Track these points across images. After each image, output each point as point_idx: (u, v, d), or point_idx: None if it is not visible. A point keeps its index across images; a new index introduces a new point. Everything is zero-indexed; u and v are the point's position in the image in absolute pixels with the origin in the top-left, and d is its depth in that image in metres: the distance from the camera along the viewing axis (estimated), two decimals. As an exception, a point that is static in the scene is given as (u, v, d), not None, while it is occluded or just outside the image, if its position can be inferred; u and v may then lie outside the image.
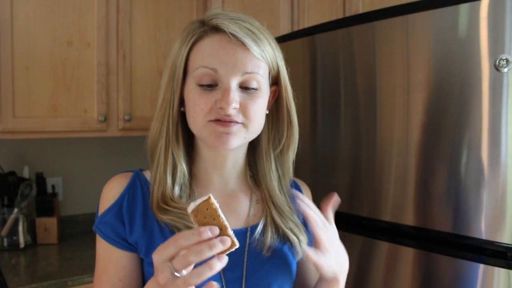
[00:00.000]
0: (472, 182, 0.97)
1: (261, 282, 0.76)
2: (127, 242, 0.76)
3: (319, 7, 1.83)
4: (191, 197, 0.79)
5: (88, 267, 1.75)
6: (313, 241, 0.76)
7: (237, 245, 0.59)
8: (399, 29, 1.11)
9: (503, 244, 0.93)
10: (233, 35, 0.70)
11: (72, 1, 1.90)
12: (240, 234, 0.78)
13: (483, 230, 0.96)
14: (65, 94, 1.91)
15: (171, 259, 0.58)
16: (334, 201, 0.78)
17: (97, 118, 1.97)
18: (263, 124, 0.78)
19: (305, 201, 0.75)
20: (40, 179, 2.09)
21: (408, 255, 1.09)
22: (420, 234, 1.08)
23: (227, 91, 0.70)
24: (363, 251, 1.19)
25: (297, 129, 0.82)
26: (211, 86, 0.71)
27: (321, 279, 0.79)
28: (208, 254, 0.57)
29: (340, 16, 1.71)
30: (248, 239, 0.78)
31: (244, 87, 0.72)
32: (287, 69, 0.80)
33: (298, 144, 0.84)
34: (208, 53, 0.71)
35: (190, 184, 0.80)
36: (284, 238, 0.80)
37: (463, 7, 0.98)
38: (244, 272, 0.76)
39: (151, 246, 0.75)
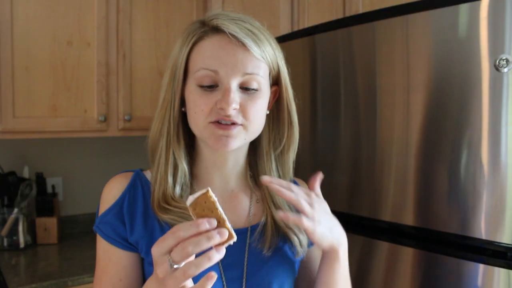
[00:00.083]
0: (472, 182, 0.98)
1: (262, 281, 0.77)
2: (127, 242, 0.76)
3: (319, 7, 1.83)
4: None
5: (88, 267, 1.75)
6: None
7: (235, 238, 0.60)
8: (399, 29, 1.11)
9: (503, 244, 0.93)
10: (233, 36, 0.70)
11: (72, 1, 1.90)
12: (241, 233, 0.78)
13: (483, 230, 0.96)
14: (65, 94, 1.91)
15: (170, 251, 0.58)
16: (319, 178, 0.79)
17: (97, 118, 1.97)
18: (264, 124, 0.78)
19: (275, 181, 0.73)
20: (40, 179, 2.09)
21: (408, 255, 1.10)
22: (420, 234, 1.08)
23: (227, 91, 0.70)
24: (363, 251, 1.19)
25: (298, 129, 0.82)
26: (212, 87, 0.72)
27: (322, 257, 0.78)
28: (206, 245, 0.57)
29: (340, 16, 1.71)
30: (248, 238, 0.79)
31: (244, 88, 0.72)
32: (287, 69, 0.80)
33: (298, 144, 0.84)
34: (208, 54, 0.71)
35: (191, 184, 0.80)
36: (284, 238, 0.80)
37: (463, 7, 0.98)
38: (245, 272, 0.76)
39: (152, 246, 0.75)
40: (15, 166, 2.09)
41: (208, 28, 0.73)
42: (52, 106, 1.88)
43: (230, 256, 0.75)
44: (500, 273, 0.93)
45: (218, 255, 0.57)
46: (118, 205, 0.77)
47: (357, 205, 1.23)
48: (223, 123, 0.71)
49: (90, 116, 1.97)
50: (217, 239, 0.57)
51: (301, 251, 0.80)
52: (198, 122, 0.73)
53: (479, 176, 0.96)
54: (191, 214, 0.60)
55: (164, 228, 0.75)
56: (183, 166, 0.78)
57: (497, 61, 0.92)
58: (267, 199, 0.83)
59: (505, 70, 0.91)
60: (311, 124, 1.38)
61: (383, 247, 1.15)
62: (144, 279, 0.78)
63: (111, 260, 0.77)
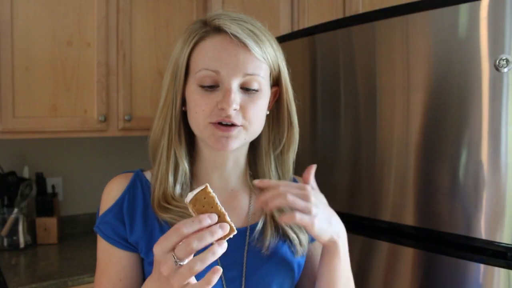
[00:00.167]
0: (472, 182, 0.98)
1: (261, 281, 0.77)
2: (127, 242, 0.77)
3: (319, 7, 1.83)
4: None
5: (88, 267, 1.75)
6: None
7: (235, 231, 0.61)
8: (399, 29, 1.11)
9: (503, 244, 0.93)
10: (235, 36, 0.70)
11: (72, 1, 1.90)
12: (240, 233, 0.78)
13: (483, 230, 0.96)
14: (65, 94, 1.91)
15: (173, 249, 0.58)
16: (313, 170, 0.78)
17: (97, 118, 1.97)
18: (263, 124, 0.78)
19: (265, 183, 0.73)
20: (40, 179, 2.09)
21: (408, 255, 1.10)
22: (420, 234, 1.08)
23: (228, 92, 0.70)
24: (363, 251, 1.19)
25: (298, 130, 0.82)
26: (213, 87, 0.72)
27: (323, 251, 0.78)
28: (210, 240, 0.57)
29: (340, 16, 1.71)
30: (247, 238, 0.79)
31: (245, 88, 0.72)
32: (288, 70, 0.80)
33: (298, 144, 0.84)
34: (210, 55, 0.71)
35: (191, 183, 0.80)
36: (284, 237, 0.80)
37: (463, 7, 0.98)
38: (244, 271, 0.76)
39: (152, 245, 0.74)
40: (15, 166, 2.09)
41: (209, 28, 0.73)
42: (52, 106, 1.88)
43: (230, 255, 0.75)
44: (500, 273, 0.93)
45: (221, 249, 0.58)
46: (118, 205, 0.78)
47: (357, 205, 1.23)
48: (223, 124, 0.71)
49: (90, 116, 1.97)
50: (219, 233, 0.58)
51: (300, 250, 0.80)
52: (198, 122, 0.73)
53: (479, 176, 0.96)
54: (190, 210, 0.61)
55: (164, 227, 0.75)
56: (184, 165, 0.78)
57: (497, 61, 0.92)
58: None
59: (505, 70, 0.91)
60: (311, 124, 1.38)
61: (383, 247, 1.15)
62: (144, 279, 0.79)
63: (111, 260, 0.77)
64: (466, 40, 0.98)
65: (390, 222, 1.14)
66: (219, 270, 0.57)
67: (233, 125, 0.72)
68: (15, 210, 1.95)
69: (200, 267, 0.56)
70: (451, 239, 1.02)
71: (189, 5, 2.20)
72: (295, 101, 0.81)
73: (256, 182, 0.71)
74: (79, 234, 2.23)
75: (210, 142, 0.73)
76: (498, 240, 0.94)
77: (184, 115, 0.78)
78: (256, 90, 0.73)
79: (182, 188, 0.78)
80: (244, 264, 0.77)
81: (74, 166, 2.28)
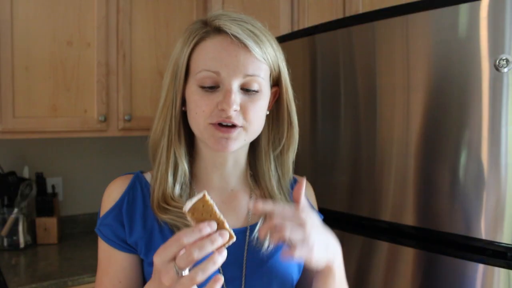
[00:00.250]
0: (472, 182, 0.98)
1: (261, 280, 0.77)
2: (126, 243, 0.77)
3: (319, 7, 1.83)
4: (191, 196, 0.79)
5: (88, 267, 1.75)
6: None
7: (235, 238, 0.61)
8: (399, 29, 1.11)
9: (503, 244, 0.93)
10: (235, 37, 0.70)
11: (72, 1, 1.90)
12: (240, 233, 0.79)
13: (483, 230, 0.96)
14: (65, 94, 1.91)
15: (173, 258, 0.58)
16: (303, 186, 0.72)
17: (97, 118, 1.97)
18: (263, 125, 0.78)
19: (261, 206, 0.68)
20: (40, 179, 2.09)
21: (408, 255, 1.10)
22: (420, 234, 1.08)
23: (228, 93, 0.70)
24: (363, 251, 1.19)
25: (297, 130, 0.82)
26: (213, 88, 0.72)
27: (317, 272, 0.76)
28: (210, 249, 0.58)
29: (340, 16, 1.71)
30: (247, 238, 0.79)
31: (245, 89, 0.72)
32: (288, 70, 0.80)
33: (298, 144, 0.84)
34: (210, 56, 0.71)
35: (190, 184, 0.80)
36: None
37: (463, 7, 0.98)
38: (244, 271, 0.76)
39: (151, 246, 0.75)
40: (15, 166, 2.09)
41: (210, 29, 0.73)
42: (52, 106, 1.88)
43: (230, 255, 0.75)
44: (500, 273, 0.93)
45: (221, 258, 0.58)
46: (117, 207, 0.78)
47: (357, 205, 1.23)
48: (223, 125, 0.71)
49: (90, 116, 1.97)
50: (220, 241, 0.58)
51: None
52: (198, 122, 0.73)
53: (479, 176, 0.96)
54: (189, 219, 0.61)
55: (163, 228, 0.76)
56: (184, 165, 0.78)
57: (497, 61, 0.92)
58: (266, 198, 0.83)
59: (505, 70, 0.91)
60: (311, 124, 1.38)
61: (383, 247, 1.15)
62: (144, 280, 0.79)
63: (111, 262, 0.78)
64: (466, 40, 0.98)
65: (390, 222, 1.14)
66: (221, 279, 0.57)
67: (233, 126, 0.72)
68: (15, 210, 1.95)
69: (202, 277, 0.56)
70: (451, 239, 1.02)
71: (189, 5, 2.20)
72: (295, 101, 0.81)
73: (250, 206, 0.69)
74: (79, 234, 2.23)
75: (210, 143, 0.73)
76: (498, 240, 0.94)
77: (184, 115, 0.78)
78: (256, 91, 0.73)
79: (181, 188, 0.78)
80: (244, 264, 0.77)
81: (74, 166, 2.28)
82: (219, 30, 0.72)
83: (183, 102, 0.77)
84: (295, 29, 1.91)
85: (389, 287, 1.13)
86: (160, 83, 0.80)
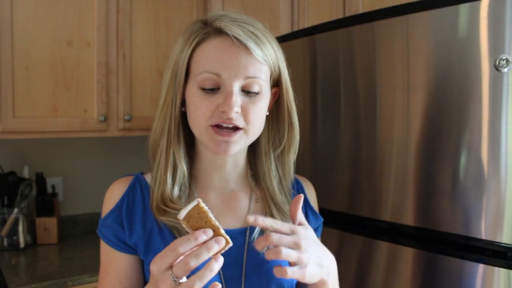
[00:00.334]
0: (472, 182, 0.97)
1: (260, 280, 0.77)
2: (127, 244, 0.77)
3: (319, 7, 1.83)
4: (190, 197, 0.79)
5: (88, 267, 1.75)
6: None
7: (231, 243, 0.61)
8: (399, 29, 1.11)
9: (503, 244, 0.93)
10: (236, 38, 0.70)
11: (72, 1, 1.90)
12: (240, 233, 0.79)
13: (483, 230, 0.96)
14: (65, 94, 1.91)
15: (170, 267, 0.59)
16: (300, 202, 0.72)
17: (97, 118, 1.97)
18: (263, 126, 0.78)
19: (260, 221, 0.68)
20: (40, 179, 2.09)
21: (408, 255, 1.10)
22: (420, 234, 1.08)
23: (229, 95, 0.70)
24: (363, 251, 1.19)
25: (298, 131, 0.82)
26: (213, 89, 0.71)
27: (310, 284, 0.75)
28: (207, 256, 0.58)
29: (340, 16, 1.71)
30: (247, 238, 0.79)
31: (245, 91, 0.72)
32: (288, 70, 0.80)
33: (299, 144, 0.84)
34: (211, 58, 0.71)
35: (190, 185, 0.80)
36: None
37: (463, 7, 0.98)
38: (244, 271, 0.77)
39: (150, 247, 0.75)
40: (15, 166, 2.09)
41: (210, 30, 0.72)
42: (52, 106, 1.88)
43: (229, 255, 0.75)
44: (500, 273, 0.93)
45: (218, 265, 0.58)
46: (117, 208, 0.78)
47: (357, 205, 1.23)
48: (224, 126, 0.71)
49: (90, 116, 1.97)
50: (216, 248, 0.59)
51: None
52: (199, 124, 0.73)
53: (479, 176, 0.96)
54: (184, 227, 0.61)
55: (163, 229, 0.76)
56: (183, 166, 0.78)
57: (497, 61, 0.92)
58: (267, 199, 0.83)
59: (505, 70, 0.91)
60: (311, 124, 1.38)
61: (383, 247, 1.15)
62: (144, 280, 0.79)
63: (112, 263, 0.78)
64: (466, 40, 0.98)
65: (390, 222, 1.14)
66: (217, 286, 0.59)
67: (234, 129, 0.72)
68: (15, 210, 1.95)
69: (199, 285, 0.57)
70: (451, 239, 1.02)
71: (189, 5, 2.20)
72: (295, 102, 0.81)
73: (251, 220, 0.67)
74: (79, 234, 2.23)
75: (210, 146, 0.73)
76: (498, 240, 0.94)
77: (183, 115, 0.78)
78: (257, 93, 0.73)
79: (180, 189, 0.78)
80: (244, 264, 0.77)
81: (74, 166, 2.28)
82: (219, 31, 0.71)
83: (183, 102, 0.77)
84: (295, 29, 1.91)
85: (389, 287, 1.13)
86: (160, 83, 0.80)
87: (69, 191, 2.27)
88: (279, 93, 0.80)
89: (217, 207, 0.80)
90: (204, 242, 0.59)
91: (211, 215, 0.61)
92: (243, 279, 0.76)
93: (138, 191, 0.80)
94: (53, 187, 2.16)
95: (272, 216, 0.80)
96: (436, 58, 1.04)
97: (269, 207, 0.82)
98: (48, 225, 2.04)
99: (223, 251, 0.60)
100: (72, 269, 1.72)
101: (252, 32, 0.71)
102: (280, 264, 0.74)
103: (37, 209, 2.06)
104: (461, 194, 0.99)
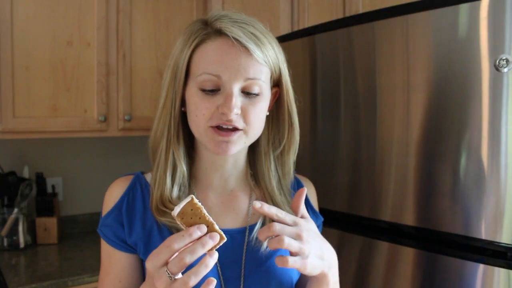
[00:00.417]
0: (472, 182, 0.98)
1: (260, 280, 0.77)
2: (126, 244, 0.77)
3: (319, 7, 1.83)
4: None
5: (88, 267, 1.75)
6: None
7: (225, 238, 0.62)
8: (399, 29, 1.11)
9: (503, 244, 0.93)
10: (236, 40, 0.70)
11: (72, 1, 1.90)
12: (239, 233, 0.79)
13: (483, 230, 0.96)
14: (65, 94, 1.91)
15: (166, 264, 0.59)
16: (303, 195, 0.74)
17: (97, 118, 1.97)
18: (263, 126, 0.78)
19: (266, 209, 0.68)
20: (40, 179, 2.09)
21: (408, 255, 1.10)
22: (420, 234, 1.08)
23: (229, 96, 0.70)
24: (363, 251, 1.19)
25: (298, 131, 0.82)
26: (213, 91, 0.71)
27: (311, 278, 0.76)
28: (201, 252, 0.59)
29: (340, 16, 1.71)
30: (246, 238, 0.79)
31: (246, 92, 0.72)
32: (289, 71, 0.79)
33: (299, 144, 0.84)
34: (211, 59, 0.71)
35: (189, 185, 0.80)
36: None
37: (463, 7, 0.98)
38: (243, 271, 0.77)
39: (150, 246, 0.76)
40: (15, 166, 2.09)
41: (211, 30, 0.72)
42: (52, 106, 1.88)
43: (228, 255, 0.75)
44: (500, 273, 0.93)
45: (212, 260, 0.59)
46: (117, 208, 0.79)
47: (357, 205, 1.23)
48: (224, 128, 0.71)
49: (90, 116, 1.97)
50: (210, 244, 0.59)
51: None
52: (199, 125, 0.73)
53: (479, 176, 0.96)
54: (179, 223, 0.61)
55: (162, 229, 0.76)
56: (182, 166, 0.78)
57: (497, 61, 0.92)
58: (266, 198, 0.83)
59: (505, 70, 0.91)
60: (311, 124, 1.38)
61: (383, 247, 1.15)
62: (144, 280, 0.79)
63: (112, 262, 0.79)
64: (466, 40, 0.98)
65: (390, 222, 1.14)
66: (213, 282, 0.59)
67: (234, 129, 0.72)
68: (15, 210, 1.95)
69: (194, 281, 0.57)
70: (451, 239, 1.02)
71: (189, 5, 2.20)
72: (296, 102, 0.81)
73: (257, 206, 0.68)
74: (79, 234, 2.23)
75: (210, 146, 0.73)
76: (498, 240, 0.94)
77: (183, 115, 0.78)
78: (257, 94, 0.73)
79: (180, 190, 0.78)
80: (243, 263, 0.77)
81: (74, 166, 2.28)
82: (220, 33, 0.71)
83: (183, 102, 0.77)
84: (295, 29, 1.91)
85: (389, 287, 1.13)
86: (160, 83, 0.80)
87: (69, 191, 2.27)
88: (280, 93, 0.80)
89: (216, 207, 0.81)
90: (199, 238, 0.59)
91: (204, 211, 0.61)
92: (242, 278, 0.76)
93: (138, 191, 0.80)
94: (53, 187, 2.16)
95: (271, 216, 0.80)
96: (436, 58, 1.04)
97: (268, 207, 0.82)
98: (48, 225, 2.04)
99: (217, 246, 0.61)
100: (72, 269, 1.72)
101: (252, 33, 0.71)
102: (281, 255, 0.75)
103: (37, 209, 2.06)
104: (461, 194, 0.99)
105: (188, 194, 0.79)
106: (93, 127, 1.97)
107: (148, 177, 0.83)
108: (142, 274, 0.79)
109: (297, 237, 0.67)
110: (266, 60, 0.72)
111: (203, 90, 0.72)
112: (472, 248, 0.98)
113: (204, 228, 0.60)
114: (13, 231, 1.94)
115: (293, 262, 0.65)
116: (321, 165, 1.35)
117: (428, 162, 1.06)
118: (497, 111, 0.93)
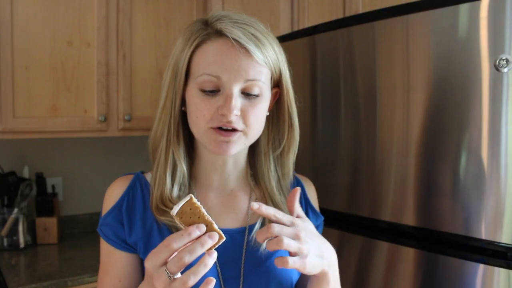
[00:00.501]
0: (472, 182, 0.98)
1: (259, 280, 0.77)
2: (126, 243, 0.77)
3: (319, 7, 1.83)
4: None
5: (88, 267, 1.75)
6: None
7: (224, 238, 0.62)
8: (399, 29, 1.11)
9: (503, 244, 0.93)
10: (236, 41, 0.69)
11: (72, 1, 1.90)
12: (239, 233, 0.79)
13: (483, 230, 0.96)
14: (65, 94, 1.91)
15: (165, 263, 0.59)
16: (298, 195, 0.74)
17: (97, 118, 1.97)
18: (263, 127, 0.78)
19: (264, 209, 0.68)
20: (40, 179, 2.09)
21: (408, 255, 1.10)
22: (420, 234, 1.08)
23: (229, 97, 0.70)
24: (363, 251, 1.19)
25: (298, 132, 0.82)
26: (213, 91, 0.71)
27: (311, 277, 0.76)
28: (200, 251, 0.59)
29: (340, 16, 1.71)
30: (246, 238, 0.79)
31: (245, 93, 0.72)
32: (289, 71, 0.79)
33: (298, 144, 0.84)
34: (211, 60, 0.71)
35: (189, 185, 0.80)
36: None
37: (463, 7, 0.98)
38: (242, 271, 0.77)
39: (150, 246, 0.76)
40: (15, 166, 2.09)
41: (211, 31, 0.72)
42: (52, 106, 1.88)
43: (228, 255, 0.75)
44: (500, 273, 0.93)
45: (211, 260, 0.59)
46: (117, 207, 0.79)
47: (357, 205, 1.23)
48: (223, 129, 0.71)
49: (90, 116, 1.97)
50: (209, 243, 0.59)
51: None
52: (199, 126, 0.73)
53: (479, 176, 0.96)
54: (177, 223, 0.61)
55: (162, 228, 0.76)
56: (182, 166, 0.78)
57: (497, 61, 0.92)
58: (266, 199, 0.83)
59: (505, 70, 0.91)
60: (311, 124, 1.38)
61: (383, 247, 1.15)
62: (143, 279, 0.79)
63: (111, 261, 0.78)
64: (466, 40, 0.98)
65: (390, 222, 1.14)
66: (212, 281, 0.59)
67: (233, 130, 0.72)
68: (15, 210, 1.95)
69: (193, 280, 0.57)
70: (451, 239, 1.02)
71: (189, 5, 2.20)
72: (296, 103, 0.81)
73: (255, 206, 0.68)
74: (79, 234, 2.23)
75: (211, 147, 0.73)
76: (498, 240, 0.94)
77: (183, 115, 0.78)
78: (257, 95, 0.73)
79: (180, 189, 0.78)
80: (243, 263, 0.77)
81: (74, 166, 2.28)
82: (220, 33, 0.71)
83: (183, 102, 0.77)
84: (295, 29, 1.91)
85: (389, 287, 1.13)
86: (160, 83, 0.80)
87: (69, 191, 2.27)
88: (280, 94, 0.80)
89: (216, 207, 0.81)
90: (198, 238, 0.59)
91: (203, 210, 0.61)
92: (241, 278, 0.76)
93: (138, 190, 0.80)
94: (53, 187, 2.16)
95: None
96: (436, 58, 1.04)
97: (268, 207, 0.82)
98: (48, 225, 2.04)
99: (216, 246, 0.61)
100: (72, 269, 1.72)
101: (252, 34, 0.71)
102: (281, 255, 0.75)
103: (37, 209, 2.06)
104: (461, 194, 0.99)
105: (188, 194, 0.79)
106: (93, 127, 1.97)
107: (148, 176, 0.83)
108: (142, 273, 0.79)
109: (295, 237, 0.67)
110: (266, 61, 0.72)
111: (203, 91, 0.72)
112: (472, 248, 0.98)
113: (203, 228, 0.60)
114: (13, 231, 1.94)
115: (292, 263, 0.65)
116: (321, 165, 1.35)
117: (428, 162, 1.06)
118: (497, 111, 0.93)
